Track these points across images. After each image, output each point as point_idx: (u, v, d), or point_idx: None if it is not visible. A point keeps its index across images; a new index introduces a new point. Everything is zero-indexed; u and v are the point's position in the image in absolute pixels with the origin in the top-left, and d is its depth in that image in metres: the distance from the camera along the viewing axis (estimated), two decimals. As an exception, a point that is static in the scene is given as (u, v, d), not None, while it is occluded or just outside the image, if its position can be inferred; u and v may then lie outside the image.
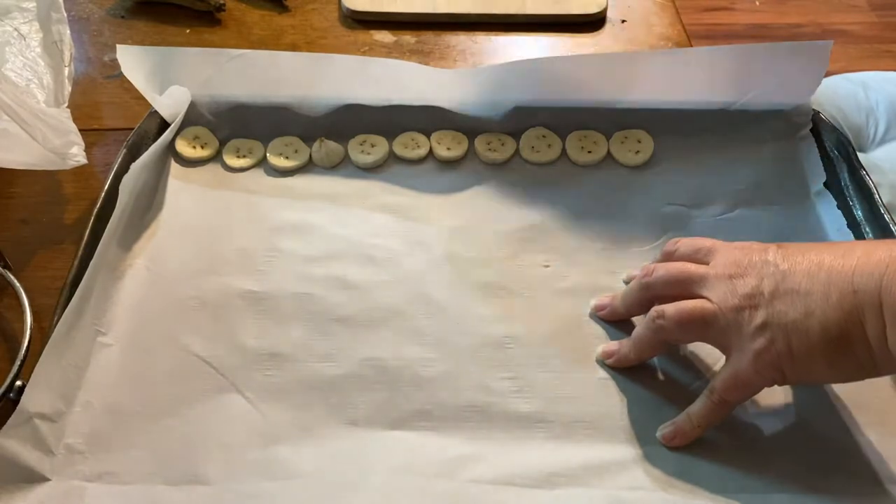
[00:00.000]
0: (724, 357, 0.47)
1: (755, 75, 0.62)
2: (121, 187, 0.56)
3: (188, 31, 0.78)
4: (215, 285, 0.55)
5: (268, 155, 0.63)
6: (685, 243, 0.50)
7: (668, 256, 0.51)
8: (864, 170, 0.60)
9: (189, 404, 0.49)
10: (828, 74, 0.64)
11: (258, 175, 0.63)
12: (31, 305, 0.52)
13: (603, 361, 0.51)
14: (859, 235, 0.57)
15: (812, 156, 0.63)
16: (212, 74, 0.64)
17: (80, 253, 0.54)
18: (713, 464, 0.47)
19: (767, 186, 0.61)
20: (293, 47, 0.76)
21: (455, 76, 0.64)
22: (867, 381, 0.44)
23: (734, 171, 0.62)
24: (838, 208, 0.59)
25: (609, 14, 0.80)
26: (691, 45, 0.77)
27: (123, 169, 0.58)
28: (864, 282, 0.41)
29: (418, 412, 0.49)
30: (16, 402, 0.46)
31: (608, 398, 0.50)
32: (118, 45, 0.63)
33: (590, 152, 0.63)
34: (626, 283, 0.55)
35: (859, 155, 0.62)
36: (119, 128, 0.67)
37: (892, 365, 0.42)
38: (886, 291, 0.40)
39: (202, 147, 0.64)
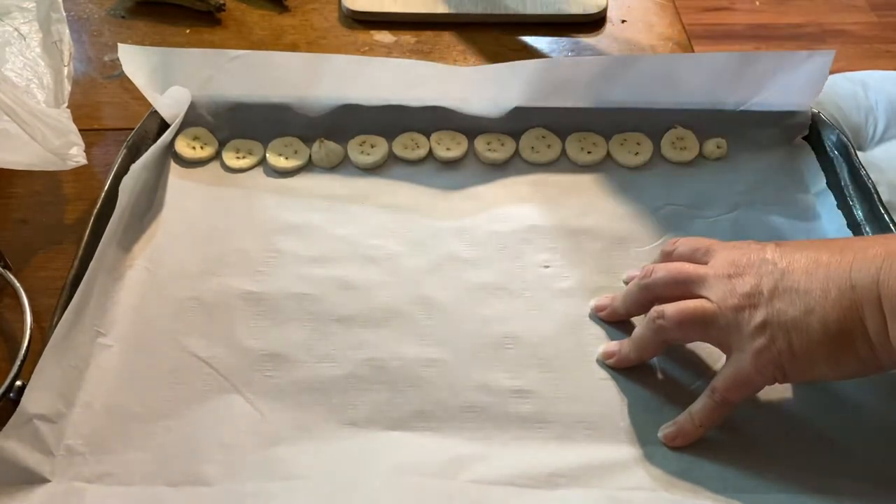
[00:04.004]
0: (724, 357, 0.47)
1: (757, 82, 0.62)
2: (121, 188, 0.56)
3: (188, 31, 0.78)
4: (215, 286, 0.55)
5: (267, 155, 0.63)
6: (683, 243, 0.50)
7: (667, 256, 0.51)
8: (864, 169, 0.60)
9: (189, 405, 0.49)
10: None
11: (258, 175, 0.63)
12: (31, 305, 0.52)
13: (603, 362, 0.51)
14: (859, 235, 0.57)
15: (812, 155, 0.63)
16: (212, 75, 0.64)
17: (80, 253, 0.54)
18: (714, 464, 0.46)
19: (767, 187, 0.61)
20: (293, 47, 0.76)
21: (455, 74, 0.64)
22: (867, 379, 0.44)
23: (734, 171, 0.62)
24: (838, 208, 0.59)
25: (609, 14, 0.80)
26: (691, 45, 0.77)
27: (123, 169, 0.58)
28: (862, 277, 0.41)
29: (418, 412, 0.49)
30: (16, 402, 0.46)
31: (609, 398, 0.50)
32: (119, 45, 0.63)
33: (589, 153, 0.64)
34: (626, 283, 0.55)
35: (858, 154, 0.62)
36: (119, 128, 0.67)
37: (894, 360, 0.42)
38: (884, 285, 0.40)
39: (202, 147, 0.64)
